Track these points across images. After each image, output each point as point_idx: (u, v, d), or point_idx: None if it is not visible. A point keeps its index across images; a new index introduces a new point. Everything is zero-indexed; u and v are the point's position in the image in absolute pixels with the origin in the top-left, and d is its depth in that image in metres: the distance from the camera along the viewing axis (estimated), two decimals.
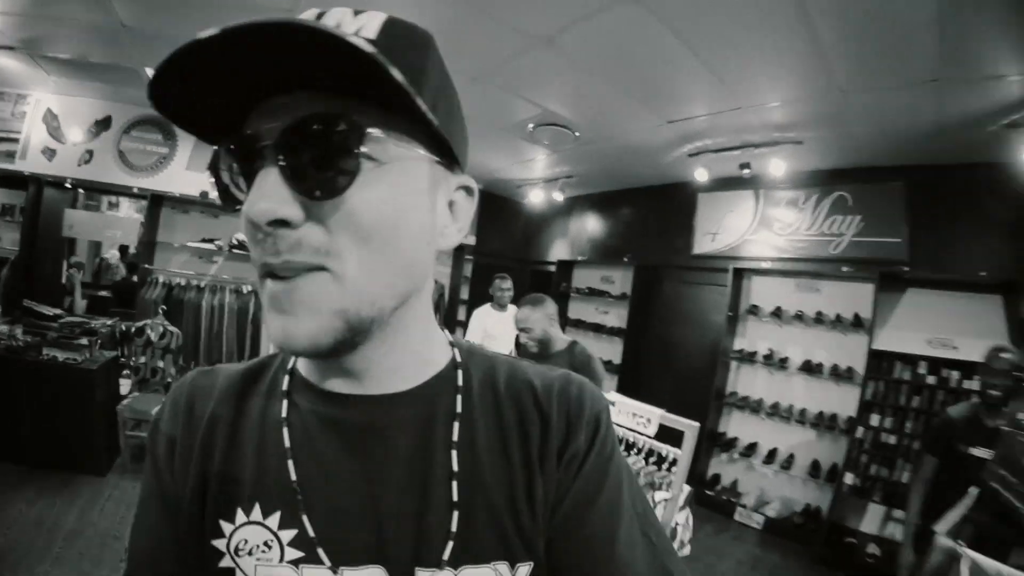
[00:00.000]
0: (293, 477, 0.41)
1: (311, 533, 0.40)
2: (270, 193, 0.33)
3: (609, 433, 0.47)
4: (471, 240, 6.00)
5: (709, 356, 4.34)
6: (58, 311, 3.64)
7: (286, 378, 0.46)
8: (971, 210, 3.44)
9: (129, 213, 4.78)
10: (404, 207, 0.38)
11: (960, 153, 3.33)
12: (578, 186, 5.43)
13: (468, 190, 0.45)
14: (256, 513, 0.40)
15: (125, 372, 3.49)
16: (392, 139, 0.36)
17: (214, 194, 0.37)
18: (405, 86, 0.31)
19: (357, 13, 0.38)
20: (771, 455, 4.00)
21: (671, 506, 1.54)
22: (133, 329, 3.47)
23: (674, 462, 1.68)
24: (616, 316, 5.33)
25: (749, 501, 4.01)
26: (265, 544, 0.40)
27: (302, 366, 0.46)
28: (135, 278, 4.43)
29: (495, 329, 3.42)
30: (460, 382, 0.46)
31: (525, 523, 0.42)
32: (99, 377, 3.14)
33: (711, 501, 4.08)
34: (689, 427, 1.60)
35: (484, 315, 3.56)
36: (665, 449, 1.73)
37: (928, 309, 3.51)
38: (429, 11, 2.38)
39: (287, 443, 0.42)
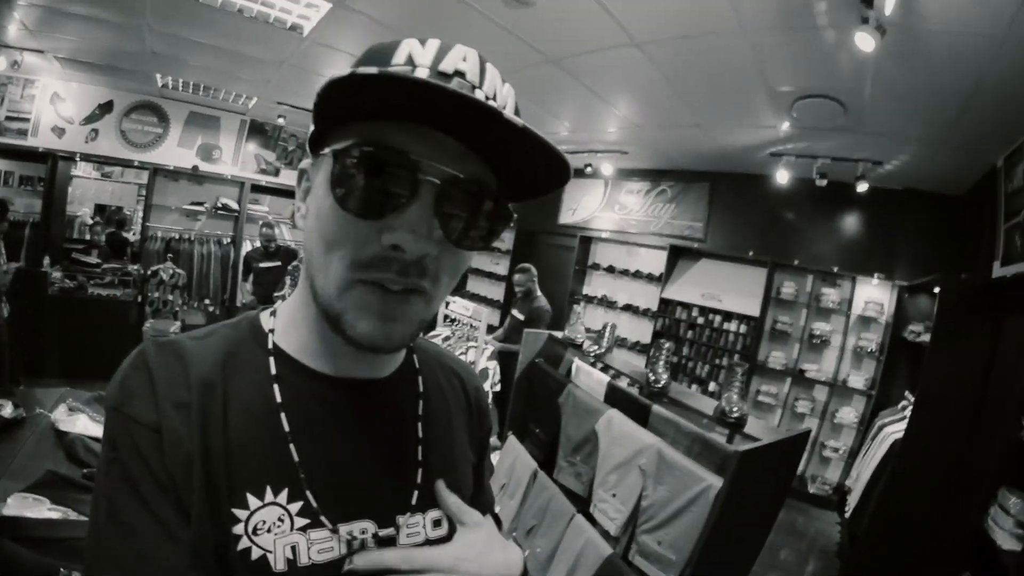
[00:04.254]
0: (296, 459, 0.44)
1: (314, 504, 0.44)
2: (425, 232, 0.38)
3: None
4: None
5: (563, 297, 5.84)
6: (97, 260, 4.79)
7: (271, 360, 0.48)
8: (749, 207, 5.04)
9: (126, 180, 5.69)
10: None
11: (745, 167, 4.85)
12: None
13: None
14: (268, 495, 0.43)
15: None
16: None
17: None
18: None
19: (486, 70, 0.43)
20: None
21: (478, 352, 3.21)
22: (149, 272, 4.69)
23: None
24: (503, 267, 7.07)
25: None
26: (279, 519, 0.43)
27: (294, 349, 0.49)
28: (124, 233, 5.53)
29: None
30: (417, 365, 0.58)
31: (461, 474, 0.58)
32: (131, 307, 4.44)
33: None
34: (485, 312, 3.37)
35: None
36: (474, 322, 3.44)
37: (708, 273, 5.20)
38: None
39: (286, 427, 0.45)
